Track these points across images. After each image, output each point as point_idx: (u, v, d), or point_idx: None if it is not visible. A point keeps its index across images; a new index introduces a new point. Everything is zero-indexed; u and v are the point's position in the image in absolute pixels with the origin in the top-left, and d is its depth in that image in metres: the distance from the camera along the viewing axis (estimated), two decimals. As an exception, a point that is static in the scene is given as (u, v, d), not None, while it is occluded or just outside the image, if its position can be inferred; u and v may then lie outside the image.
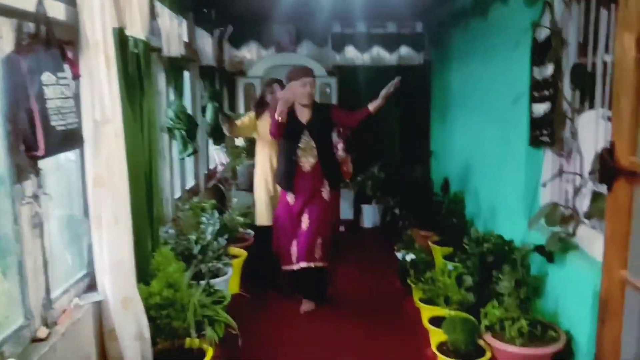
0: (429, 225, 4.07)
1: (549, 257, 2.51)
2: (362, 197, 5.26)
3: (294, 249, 3.45)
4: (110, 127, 2.03)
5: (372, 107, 3.35)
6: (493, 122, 3.53)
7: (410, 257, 3.55)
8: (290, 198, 3.46)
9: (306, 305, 3.50)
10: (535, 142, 2.70)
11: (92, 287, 2.23)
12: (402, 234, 4.11)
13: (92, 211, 2.10)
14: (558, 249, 2.43)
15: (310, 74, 3.39)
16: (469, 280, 2.76)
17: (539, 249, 2.53)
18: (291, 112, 3.36)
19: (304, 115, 3.43)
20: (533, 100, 2.68)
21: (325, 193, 3.47)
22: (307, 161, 3.41)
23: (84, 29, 1.92)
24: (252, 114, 3.91)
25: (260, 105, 3.95)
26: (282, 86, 3.82)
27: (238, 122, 3.86)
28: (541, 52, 2.60)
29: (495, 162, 3.49)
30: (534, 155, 2.82)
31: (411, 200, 4.36)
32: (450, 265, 3.06)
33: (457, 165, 4.50)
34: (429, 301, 2.99)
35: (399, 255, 3.87)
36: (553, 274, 2.54)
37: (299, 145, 3.39)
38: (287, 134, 3.37)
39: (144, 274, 2.35)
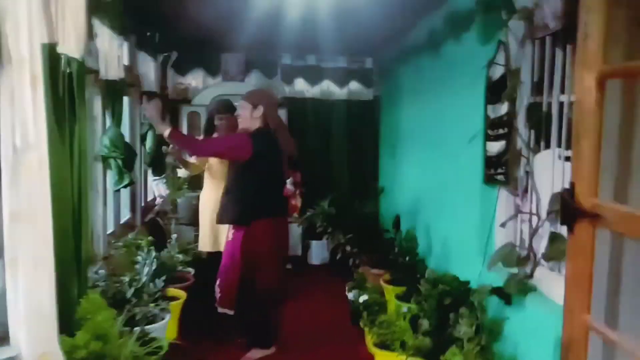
0: (381, 263, 3.99)
1: (507, 299, 2.46)
2: (311, 232, 5.13)
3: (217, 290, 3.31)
4: (32, 155, 1.79)
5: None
6: (446, 158, 3.53)
7: (363, 297, 3.43)
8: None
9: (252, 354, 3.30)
10: (489, 180, 2.70)
11: (3, 340, 1.93)
12: (354, 273, 4.00)
13: (6, 251, 1.83)
14: (517, 291, 2.39)
15: (243, 97, 3.27)
16: (425, 324, 2.66)
17: (497, 291, 2.48)
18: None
19: None
20: (487, 138, 2.68)
21: (232, 229, 3.26)
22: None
23: (6, 43, 1.71)
24: None
25: (209, 131, 3.80)
26: (228, 112, 3.73)
27: (193, 160, 3.75)
28: (495, 90, 2.63)
29: (448, 199, 3.47)
30: (488, 193, 2.81)
31: (362, 237, 4.28)
32: (404, 307, 2.97)
33: (408, 201, 4.49)
34: (384, 346, 2.86)
35: (351, 295, 3.75)
36: (512, 318, 2.48)
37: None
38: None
39: (67, 324, 2.07)
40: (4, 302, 1.90)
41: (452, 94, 3.39)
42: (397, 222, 4.40)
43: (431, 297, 2.73)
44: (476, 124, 2.81)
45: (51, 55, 1.97)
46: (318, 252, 5.46)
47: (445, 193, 3.56)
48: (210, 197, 3.79)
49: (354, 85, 5.84)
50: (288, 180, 5.29)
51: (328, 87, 5.80)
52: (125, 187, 3.20)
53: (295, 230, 5.15)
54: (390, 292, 3.65)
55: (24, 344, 1.85)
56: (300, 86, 5.76)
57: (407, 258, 3.63)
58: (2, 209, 1.83)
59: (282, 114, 5.56)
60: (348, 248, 4.29)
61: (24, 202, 1.79)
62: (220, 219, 3.20)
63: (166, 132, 3.00)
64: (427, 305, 2.74)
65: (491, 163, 2.64)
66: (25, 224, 1.80)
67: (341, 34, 4.40)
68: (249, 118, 3.21)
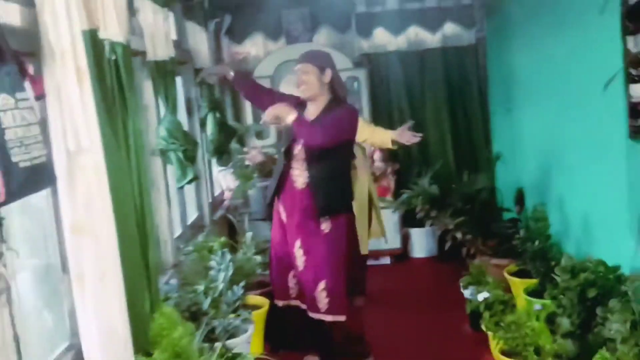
0: (504, 251, 3.94)
1: (674, 287, 2.37)
2: (411, 219, 5.15)
3: (292, 282, 3.44)
4: (87, 158, 1.99)
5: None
6: (577, 111, 3.42)
7: (482, 295, 3.43)
8: (282, 211, 3.42)
9: (311, 358, 3.52)
10: (637, 134, 2.62)
11: (78, 364, 2.18)
12: (469, 265, 4.00)
13: (72, 267, 2.05)
14: (686, 275, 2.30)
15: (303, 59, 3.30)
16: (565, 323, 2.64)
17: (659, 276, 2.40)
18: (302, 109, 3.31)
19: (310, 114, 3.33)
20: (631, 80, 2.59)
21: (324, 223, 3.29)
22: (301, 175, 3.29)
23: (46, 35, 1.89)
24: None
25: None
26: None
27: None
28: (636, 16, 2.51)
29: (585, 163, 3.37)
30: (637, 151, 2.71)
31: (476, 219, 4.24)
32: (537, 304, 2.95)
33: (533, 170, 4.38)
34: (514, 353, 2.86)
35: (467, 292, 3.76)
36: (681, 310, 2.38)
37: (293, 152, 3.31)
38: (288, 132, 3.31)
39: (142, 343, 2.29)
40: (75, 322, 2.15)
41: (579, 26, 3.26)
42: (520, 198, 4.32)
43: (571, 290, 2.69)
44: (613, 63, 2.71)
45: (94, 42, 2.14)
46: (421, 242, 5.47)
47: (580, 155, 3.46)
48: None
49: (449, 27, 5.73)
50: (376, 156, 5.37)
51: (416, 35, 5.74)
52: (189, 183, 3.41)
53: (390, 217, 5.18)
54: (518, 287, 3.61)
55: (100, 368, 2.08)
56: (381, 38, 5.75)
57: (536, 242, 3.56)
58: (61, 219, 2.06)
59: (362, 74, 5.59)
60: (459, 235, 4.27)
61: (84, 212, 2.00)
62: (324, 210, 3.28)
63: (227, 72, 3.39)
64: (566, 300, 2.71)
65: (638, 112, 2.55)
66: (87, 235, 2.01)
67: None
68: (317, 85, 3.26)
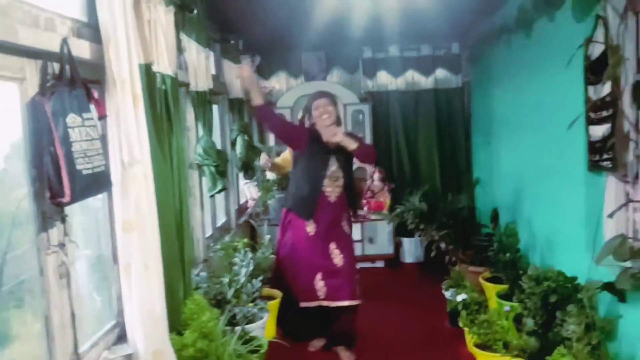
0: (480, 260, 3.91)
1: (621, 296, 2.32)
2: (403, 230, 5.13)
3: (320, 284, 3.36)
4: (138, 169, 2.01)
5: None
6: (545, 145, 3.40)
7: (461, 296, 3.40)
8: (310, 227, 3.38)
9: (317, 342, 3.51)
10: (594, 167, 2.57)
11: (121, 338, 2.18)
12: (450, 271, 3.97)
13: (121, 258, 2.07)
14: (631, 287, 2.25)
15: (321, 95, 3.39)
16: (530, 323, 2.59)
17: (608, 286, 2.36)
18: (316, 137, 3.32)
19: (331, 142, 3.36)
20: (590, 122, 2.56)
21: (346, 225, 3.44)
22: (334, 191, 3.35)
23: (110, 67, 1.93)
24: (287, 152, 3.89)
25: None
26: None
27: (278, 160, 3.85)
28: (596, 70, 2.49)
29: (551, 189, 3.34)
30: (594, 181, 2.67)
31: (458, 233, 4.22)
32: (507, 306, 2.91)
33: (506, 193, 4.36)
34: (485, 347, 2.82)
35: (448, 294, 3.72)
36: (627, 316, 2.34)
37: (326, 173, 3.33)
38: (312, 158, 3.32)
39: (176, 324, 2.29)
40: (120, 304, 2.16)
41: (548, 76, 3.25)
42: (495, 216, 4.29)
43: (535, 295, 2.66)
44: (576, 107, 2.68)
45: (148, 74, 2.19)
46: (411, 249, 5.45)
47: (546, 183, 3.42)
48: None
49: (440, 72, 5.74)
50: (375, 176, 5.36)
51: (413, 77, 5.76)
52: (219, 192, 3.43)
53: (386, 227, 5.18)
54: (491, 290, 3.57)
55: (140, 343, 2.08)
56: (383, 79, 5.77)
57: (507, 254, 3.54)
58: (114, 219, 2.08)
59: (366, 108, 5.61)
60: (443, 245, 4.24)
61: (134, 212, 2.02)
62: (355, 214, 3.63)
63: (258, 101, 3.18)
64: (531, 303, 2.67)
65: (595, 148, 2.51)
66: (135, 232, 2.03)
67: (424, 19, 4.35)
68: (335, 114, 3.38)
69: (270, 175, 5.05)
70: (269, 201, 5.01)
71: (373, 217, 5.26)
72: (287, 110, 5.56)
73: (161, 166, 2.24)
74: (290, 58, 5.80)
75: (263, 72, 5.83)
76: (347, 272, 3.35)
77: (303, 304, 3.39)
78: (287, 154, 3.85)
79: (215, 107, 4.16)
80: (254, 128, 5.68)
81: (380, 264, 5.35)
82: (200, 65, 3.18)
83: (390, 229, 5.28)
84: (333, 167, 3.36)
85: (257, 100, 3.20)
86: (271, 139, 5.66)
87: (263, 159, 3.76)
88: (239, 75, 3.53)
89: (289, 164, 3.91)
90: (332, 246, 3.36)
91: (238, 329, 2.62)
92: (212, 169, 3.29)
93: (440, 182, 5.71)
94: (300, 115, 3.74)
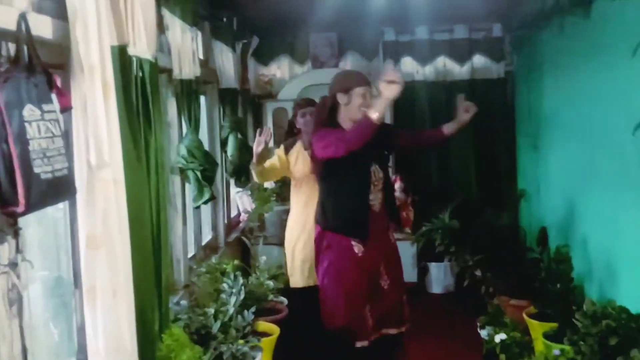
0: (523, 291, 3.88)
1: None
2: (429, 253, 5.12)
3: (368, 315, 3.34)
4: (108, 173, 2.02)
5: (448, 129, 3.35)
6: (605, 152, 3.40)
7: (499, 336, 3.38)
8: (358, 247, 3.36)
9: None
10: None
11: (83, 380, 2.19)
12: (487, 304, 3.95)
13: (84, 281, 2.07)
14: None
15: (362, 80, 3.34)
16: (585, 370, 2.58)
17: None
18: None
19: None
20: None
21: (392, 235, 3.52)
22: (376, 198, 3.36)
23: (76, 49, 1.94)
24: (280, 151, 3.88)
25: (291, 135, 3.95)
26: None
27: (266, 165, 3.80)
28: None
29: (612, 205, 3.33)
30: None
31: (497, 257, 4.20)
32: (556, 350, 2.89)
33: (557, 209, 4.34)
34: (530, 400, 2.81)
35: (484, 333, 3.71)
36: None
37: (371, 177, 3.34)
38: (352, 163, 3.23)
39: (148, 363, 2.29)
40: (83, 338, 2.16)
41: (611, 67, 3.25)
42: (543, 237, 4.27)
43: (591, 336, 2.64)
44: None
45: (122, 58, 2.20)
46: (439, 277, 5.43)
47: (606, 197, 3.42)
48: (300, 217, 3.81)
49: (478, 60, 5.76)
50: (397, 186, 5.37)
51: (444, 65, 5.78)
52: (205, 203, 3.45)
53: (408, 250, 5.17)
54: (537, 330, 3.55)
55: (105, 385, 2.08)
56: (409, 67, 5.79)
57: (557, 284, 3.51)
58: (77, 233, 2.09)
59: (388, 103, 5.62)
60: (478, 272, 4.22)
61: (101, 226, 2.02)
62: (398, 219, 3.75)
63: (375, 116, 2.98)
64: (586, 346, 2.65)
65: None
66: (102, 250, 2.03)
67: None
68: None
69: (268, 183, 5.06)
70: (266, 214, 5.02)
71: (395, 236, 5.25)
72: (290, 103, 5.57)
73: (136, 170, 2.25)
74: (294, 40, 5.84)
75: (261, 56, 5.86)
76: (394, 297, 3.41)
77: (360, 344, 3.30)
78: (275, 161, 3.85)
79: (202, 99, 4.18)
80: (250, 124, 5.72)
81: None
82: (185, 47, 3.20)
83: (413, 251, 5.26)
84: (374, 168, 3.37)
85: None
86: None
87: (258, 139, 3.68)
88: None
89: (279, 172, 3.88)
90: (382, 267, 3.40)
91: (225, 371, 2.62)
92: (198, 174, 3.31)
93: (477, 194, 5.70)
94: (301, 110, 3.78)
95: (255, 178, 3.95)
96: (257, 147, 3.63)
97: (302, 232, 3.80)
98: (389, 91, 2.92)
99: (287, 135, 4.01)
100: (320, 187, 3.46)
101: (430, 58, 5.76)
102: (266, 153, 3.76)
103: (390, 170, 3.93)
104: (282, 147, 3.90)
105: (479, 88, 5.71)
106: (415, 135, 3.76)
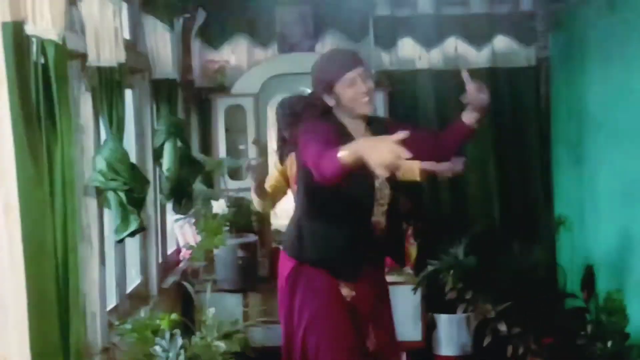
0: (564, 352, 3.91)
1: None
2: (438, 301, 5.13)
3: None
4: (-5, 194, 2.01)
5: (469, 118, 3.24)
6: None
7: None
8: (346, 290, 3.34)
9: None
10: None
11: None
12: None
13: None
14: None
15: (353, 61, 3.25)
16: None
17: None
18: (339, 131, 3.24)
19: (360, 136, 3.26)
20: None
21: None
22: (378, 224, 3.34)
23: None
24: (277, 164, 3.97)
25: (283, 145, 3.98)
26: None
27: (268, 188, 3.92)
28: None
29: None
30: None
31: (528, 307, 4.23)
32: None
33: (609, 242, 4.39)
34: None
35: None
36: None
37: (375, 195, 3.30)
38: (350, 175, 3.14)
39: None
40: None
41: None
42: (589, 280, 4.31)
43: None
44: None
45: (16, 39, 2.19)
46: (451, 334, 5.41)
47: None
48: None
49: (501, 42, 5.81)
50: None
51: (456, 49, 5.82)
52: (132, 235, 3.41)
53: (409, 297, 5.15)
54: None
55: None
56: (409, 51, 5.82)
57: (608, 342, 3.55)
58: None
59: (379, 98, 5.62)
60: (503, 327, 4.24)
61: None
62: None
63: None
64: None
65: None
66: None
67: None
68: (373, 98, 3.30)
69: (218, 207, 5.04)
70: (216, 251, 4.98)
71: (388, 278, 5.25)
72: (249, 98, 5.58)
73: (34, 192, 2.23)
74: (255, 16, 5.84)
75: (210, 37, 5.85)
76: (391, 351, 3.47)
77: None
78: (278, 177, 3.93)
79: (129, 94, 4.16)
80: (194, 128, 5.69)
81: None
82: (105, 25, 3.19)
83: (416, 299, 5.25)
84: (381, 182, 3.33)
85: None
86: (222, 147, 5.66)
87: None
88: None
89: (283, 189, 3.93)
90: (370, 320, 3.41)
91: None
92: (122, 196, 3.28)
93: (500, 221, 5.72)
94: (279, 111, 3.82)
95: (258, 208, 4.08)
96: (256, 175, 3.77)
97: None
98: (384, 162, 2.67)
99: (280, 144, 4.05)
100: (299, 200, 3.43)
101: (437, 40, 5.79)
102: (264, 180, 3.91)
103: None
104: (276, 160, 4.01)
105: (503, 80, 5.77)
106: (429, 138, 3.44)
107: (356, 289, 3.32)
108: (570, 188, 5.38)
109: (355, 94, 3.20)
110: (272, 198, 3.99)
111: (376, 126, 3.32)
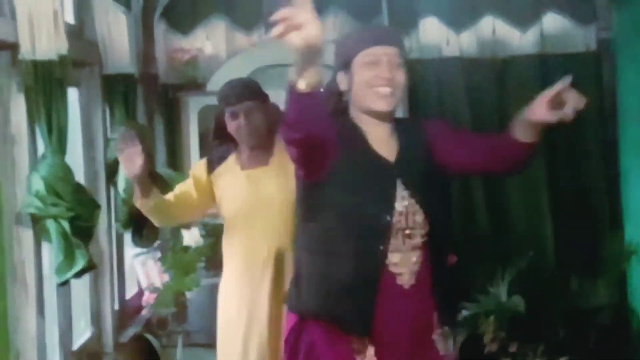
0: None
1: None
2: (475, 352, 5.13)
3: None
4: None
5: (523, 132, 3.08)
6: None
7: None
8: (364, 355, 3.28)
9: None
10: None
11: None
12: None
13: None
14: None
15: (396, 40, 3.22)
16: None
17: None
18: (356, 136, 3.16)
19: (383, 144, 3.21)
20: None
21: (439, 341, 3.29)
22: (407, 261, 3.21)
23: None
24: (199, 168, 3.85)
25: (219, 143, 3.93)
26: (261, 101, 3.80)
27: (170, 197, 3.71)
28: None
29: None
30: None
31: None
32: None
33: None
34: None
35: None
36: None
37: (391, 216, 3.16)
38: (354, 185, 3.11)
39: None
40: None
41: None
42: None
43: None
44: None
45: None
46: (493, 396, 5.44)
47: None
48: (238, 285, 3.77)
49: (552, 21, 5.87)
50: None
51: (494, 32, 5.87)
52: (78, 275, 3.42)
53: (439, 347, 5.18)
54: None
55: None
56: (433, 34, 5.89)
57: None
58: None
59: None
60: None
61: None
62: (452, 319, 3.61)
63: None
64: None
65: None
66: None
67: None
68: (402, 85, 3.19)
69: (190, 238, 5.05)
70: (189, 294, 4.99)
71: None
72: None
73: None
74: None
75: (178, 19, 5.88)
76: None
77: None
78: (189, 188, 3.72)
79: (74, 94, 4.18)
80: (159, 136, 5.71)
81: None
82: (42, 6, 3.21)
83: (449, 350, 5.27)
84: (403, 198, 3.19)
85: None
86: (194, 156, 5.68)
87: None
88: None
89: (188, 212, 3.86)
90: None
91: None
92: (65, 224, 3.29)
93: (555, 252, 5.73)
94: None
95: (157, 224, 3.88)
96: (129, 161, 3.34)
97: (242, 311, 3.79)
98: (293, 39, 2.65)
99: (217, 140, 3.96)
100: (299, 229, 3.37)
101: (469, 19, 5.86)
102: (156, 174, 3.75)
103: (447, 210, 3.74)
104: (203, 162, 3.88)
105: (555, 68, 5.77)
106: (483, 143, 3.24)
107: (380, 351, 3.23)
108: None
109: (373, 79, 3.08)
110: (167, 209, 3.67)
111: (406, 129, 3.19)
